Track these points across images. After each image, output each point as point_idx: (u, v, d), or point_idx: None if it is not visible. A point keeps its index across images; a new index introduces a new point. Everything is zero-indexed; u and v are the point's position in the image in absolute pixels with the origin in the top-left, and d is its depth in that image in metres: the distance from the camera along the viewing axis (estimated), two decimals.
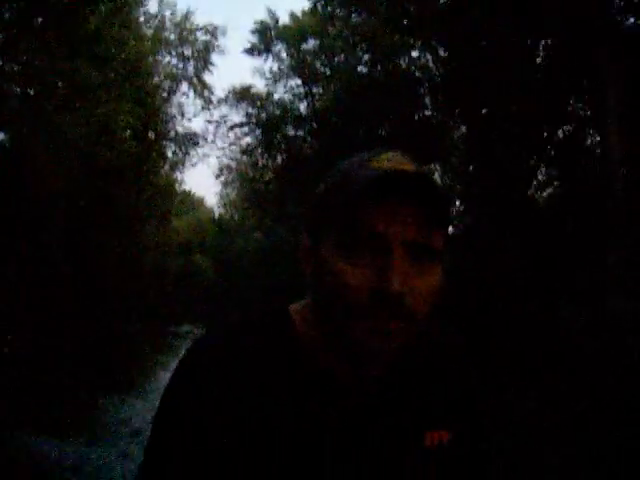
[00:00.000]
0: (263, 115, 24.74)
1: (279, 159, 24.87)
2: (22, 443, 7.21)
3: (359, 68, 23.78)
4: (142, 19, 22.59)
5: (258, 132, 24.49)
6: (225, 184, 38.12)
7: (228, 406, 0.96)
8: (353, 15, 21.02)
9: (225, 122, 26.13)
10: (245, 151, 25.63)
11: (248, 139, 25.31)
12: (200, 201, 53.60)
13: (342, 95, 21.49)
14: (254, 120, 24.49)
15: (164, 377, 14.69)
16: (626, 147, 10.57)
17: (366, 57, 23.65)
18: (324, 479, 0.98)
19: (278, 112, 24.27)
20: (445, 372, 1.12)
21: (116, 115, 16.52)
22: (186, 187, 47.03)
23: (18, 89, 15.11)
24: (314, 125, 21.93)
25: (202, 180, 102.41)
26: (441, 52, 18.25)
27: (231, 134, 25.75)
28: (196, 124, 28.70)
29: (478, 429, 1.13)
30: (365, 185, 0.88)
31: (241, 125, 24.84)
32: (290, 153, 22.92)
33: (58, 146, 14.84)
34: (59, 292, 16.07)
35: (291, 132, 23.96)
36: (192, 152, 27.55)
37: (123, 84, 17.33)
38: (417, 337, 0.97)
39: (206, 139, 26.93)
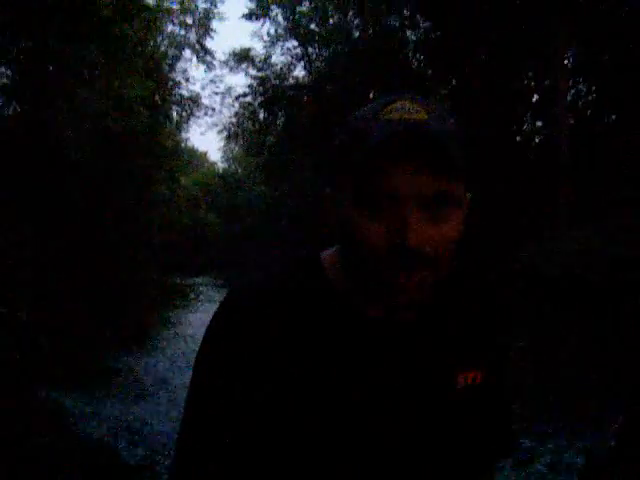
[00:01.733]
0: (265, 80, 26.33)
1: (280, 123, 26.48)
2: (43, 397, 7.33)
3: (352, 32, 25.26)
4: None
5: (260, 99, 26.16)
6: (228, 138, 39.41)
7: (270, 352, 0.98)
8: None
9: (230, 93, 27.95)
10: (250, 118, 27.34)
11: (251, 107, 27.08)
12: (203, 156, 54.74)
13: (335, 63, 22.79)
14: (256, 89, 26.10)
15: (174, 331, 15.01)
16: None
17: (357, 21, 25.11)
18: (358, 417, 0.99)
19: (277, 82, 25.80)
20: (475, 312, 1.12)
21: (129, 88, 18.23)
22: (190, 143, 48.19)
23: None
24: (311, 93, 23.38)
25: (204, 135, 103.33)
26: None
27: (236, 103, 27.54)
28: (205, 97, 30.36)
29: (504, 367, 1.15)
30: (374, 145, 0.88)
31: (245, 95, 26.47)
32: (290, 119, 24.50)
33: (78, 119, 16.47)
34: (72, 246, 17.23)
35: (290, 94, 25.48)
36: (197, 114, 29.30)
37: (133, 58, 18.92)
38: (445, 280, 0.98)
39: (214, 109, 28.77)
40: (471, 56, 17.23)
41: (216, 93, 31.42)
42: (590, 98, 17.49)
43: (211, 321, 1.06)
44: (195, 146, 52.61)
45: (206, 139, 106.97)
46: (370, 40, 22.54)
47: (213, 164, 53.98)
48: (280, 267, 1.10)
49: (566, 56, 17.65)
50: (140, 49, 20.38)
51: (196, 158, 49.78)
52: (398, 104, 0.94)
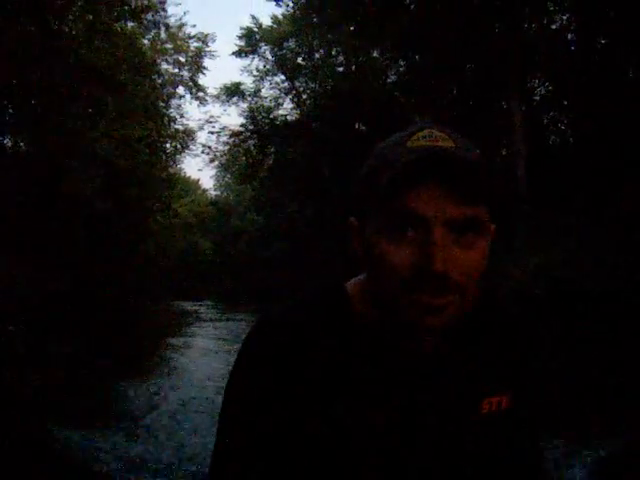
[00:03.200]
0: (256, 117, 27.95)
1: (271, 158, 28.11)
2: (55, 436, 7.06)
3: (336, 68, 26.79)
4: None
5: (253, 137, 27.91)
6: (221, 167, 40.47)
7: (299, 382, 1.00)
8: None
9: (224, 131, 29.78)
10: (244, 154, 28.99)
11: (245, 145, 28.83)
12: (196, 183, 55.82)
13: (321, 102, 24.18)
14: (248, 126, 27.70)
15: (174, 359, 14.52)
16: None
17: (341, 58, 26.66)
18: (385, 446, 1.01)
19: (268, 119, 27.37)
20: (500, 339, 1.12)
21: (131, 128, 19.76)
22: (183, 172, 49.07)
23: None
24: (298, 131, 24.72)
25: (195, 162, 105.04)
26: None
27: (230, 140, 29.28)
28: (200, 134, 32.45)
29: (533, 393, 1.15)
30: (399, 170, 0.89)
31: (239, 134, 28.09)
32: (280, 155, 25.98)
33: (87, 158, 17.91)
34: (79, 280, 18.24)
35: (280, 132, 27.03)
36: (192, 146, 31.00)
37: (133, 99, 20.39)
38: (470, 307, 0.97)
39: (210, 147, 30.65)
40: (447, 88, 18.74)
41: (212, 132, 33.09)
42: (560, 126, 19.06)
43: (242, 351, 1.07)
44: (188, 174, 53.79)
45: (198, 165, 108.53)
46: (353, 75, 23.96)
47: (205, 191, 55.19)
48: (307, 298, 1.12)
49: (537, 84, 19.32)
50: (138, 87, 21.80)
51: (189, 186, 50.79)
52: (425, 132, 0.96)
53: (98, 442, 7.06)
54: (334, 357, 1.02)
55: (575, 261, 10.57)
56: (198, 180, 55.80)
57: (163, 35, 26.63)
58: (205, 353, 15.64)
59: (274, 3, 23.51)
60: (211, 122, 30.76)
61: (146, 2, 19.84)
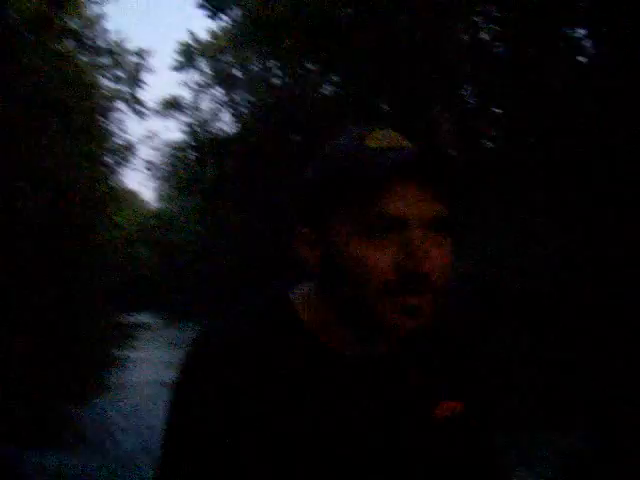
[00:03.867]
0: (196, 132, 28.59)
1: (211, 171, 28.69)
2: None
3: (272, 79, 27.46)
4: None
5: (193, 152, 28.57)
6: (162, 179, 40.76)
7: (245, 398, 0.97)
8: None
9: (164, 147, 30.57)
10: (184, 168, 29.58)
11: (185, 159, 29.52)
12: (135, 195, 55.69)
13: (257, 114, 24.78)
14: (189, 141, 28.32)
15: (120, 372, 14.57)
16: None
17: (277, 71, 27.28)
18: (337, 454, 0.99)
19: (207, 134, 27.99)
20: (456, 345, 1.13)
21: (72, 146, 20.19)
22: (124, 185, 48.90)
23: None
24: (236, 143, 25.33)
25: (136, 174, 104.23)
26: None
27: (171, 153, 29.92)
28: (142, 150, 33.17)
29: (488, 401, 1.15)
30: (385, 172, 0.88)
31: (182, 149, 28.79)
32: (219, 169, 26.58)
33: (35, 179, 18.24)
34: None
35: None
36: (133, 160, 31.48)
37: (74, 117, 20.77)
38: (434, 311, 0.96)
39: (152, 162, 31.45)
40: (380, 99, 19.58)
41: (153, 148, 34.24)
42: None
43: (182, 368, 1.04)
44: (128, 185, 53.53)
45: (138, 178, 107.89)
46: (288, 87, 24.60)
47: (144, 202, 54.96)
48: (250, 308, 1.08)
49: (467, 94, 20.24)
50: (79, 104, 22.12)
51: (129, 199, 50.66)
52: (379, 133, 0.95)
53: (41, 460, 6.98)
54: (282, 368, 1.00)
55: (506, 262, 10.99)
56: (138, 192, 55.73)
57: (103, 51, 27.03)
58: (149, 364, 16.26)
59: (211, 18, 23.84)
60: (152, 137, 31.48)
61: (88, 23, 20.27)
